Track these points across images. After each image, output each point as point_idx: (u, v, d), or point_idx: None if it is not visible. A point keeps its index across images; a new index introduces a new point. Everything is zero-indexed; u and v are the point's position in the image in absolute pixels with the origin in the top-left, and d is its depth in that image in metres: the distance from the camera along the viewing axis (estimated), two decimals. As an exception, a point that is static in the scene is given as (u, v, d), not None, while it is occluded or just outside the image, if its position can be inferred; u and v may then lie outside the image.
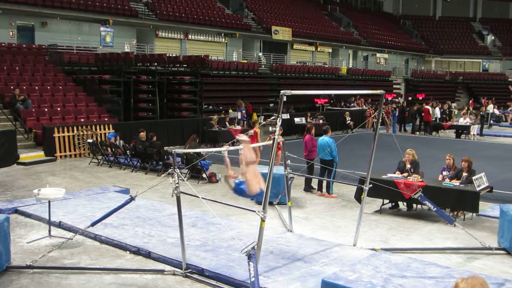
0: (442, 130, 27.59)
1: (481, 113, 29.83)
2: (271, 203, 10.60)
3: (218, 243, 8.23)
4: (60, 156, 17.55)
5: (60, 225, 9.25)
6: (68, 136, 17.84)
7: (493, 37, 58.90)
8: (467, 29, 60.14)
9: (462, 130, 26.13)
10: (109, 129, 18.65)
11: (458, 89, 52.25)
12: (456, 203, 10.13)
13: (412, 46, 54.38)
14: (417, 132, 28.09)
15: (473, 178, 9.95)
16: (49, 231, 8.69)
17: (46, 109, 19.71)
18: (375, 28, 51.68)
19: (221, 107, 28.51)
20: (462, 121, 26.51)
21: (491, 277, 6.73)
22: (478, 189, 9.79)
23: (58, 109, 20.01)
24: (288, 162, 9.03)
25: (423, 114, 28.07)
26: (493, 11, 60.88)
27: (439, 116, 28.86)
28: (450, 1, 60.60)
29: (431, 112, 28.52)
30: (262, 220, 6.27)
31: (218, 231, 8.79)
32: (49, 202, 8.65)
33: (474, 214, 10.36)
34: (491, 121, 34.64)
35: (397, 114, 28.63)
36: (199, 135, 18.74)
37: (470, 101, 42.91)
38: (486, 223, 10.20)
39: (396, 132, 27.56)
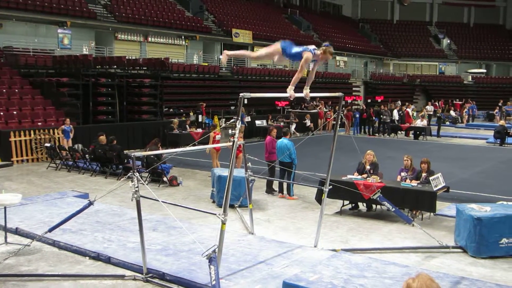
0: (400, 132, 28.13)
1: (437, 114, 30.50)
2: (232, 206, 10.61)
3: (179, 247, 8.17)
4: (17, 161, 17.18)
5: (16, 232, 9.04)
6: (25, 140, 17.48)
7: (448, 41, 60.30)
8: (424, 33, 61.39)
9: (419, 132, 26.65)
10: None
11: (415, 91, 53.28)
12: (414, 203, 10.32)
13: (371, 49, 55.18)
14: (376, 134, 28.54)
15: (430, 178, 10.17)
16: (5, 238, 8.47)
17: (1, 113, 19.20)
18: (334, 31, 52.24)
19: (182, 110, 28.36)
20: (419, 123, 27.05)
21: (448, 275, 6.88)
22: (435, 189, 10.01)
23: (14, 112, 19.54)
24: (249, 164, 9.05)
25: (382, 116, 28.55)
26: (449, 15, 62.34)
27: (397, 118, 29.34)
28: (407, 6, 61.82)
29: (410, 114, 29.16)
30: (223, 223, 6.28)
31: (179, 235, 8.74)
32: (5, 208, 8.44)
33: (432, 213, 10.58)
34: (448, 122, 35.59)
35: (358, 116, 29.06)
36: (160, 138, 18.59)
37: (429, 103, 43.82)
38: (443, 222, 10.42)
39: (357, 134, 28.00)
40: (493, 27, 62.12)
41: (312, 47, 6.71)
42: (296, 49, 6.73)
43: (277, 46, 6.84)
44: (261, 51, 7.15)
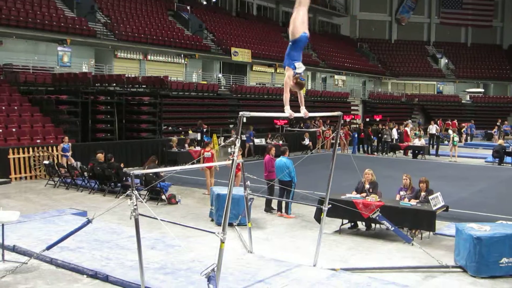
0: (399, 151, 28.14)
1: (437, 134, 30.53)
2: (231, 224, 10.54)
3: (178, 265, 8.13)
4: (15, 178, 17.14)
5: (14, 249, 8.98)
6: (24, 158, 17.45)
7: (446, 60, 60.69)
8: (422, 52, 61.81)
9: (418, 151, 26.67)
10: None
11: (414, 110, 53.48)
12: (413, 222, 10.30)
13: (369, 69, 55.45)
14: (375, 153, 28.55)
15: (429, 197, 10.16)
16: (2, 255, 8.42)
17: (0, 130, 19.22)
18: (333, 50, 52.52)
19: (180, 128, 28.38)
20: (417, 142, 27.08)
21: (448, 295, 6.84)
22: (434, 208, 9.99)
23: (13, 130, 19.55)
24: (248, 183, 9.04)
25: (380, 135, 28.59)
26: (446, 35, 62.82)
27: (396, 137, 29.37)
28: (405, 25, 62.30)
29: (409, 133, 29.22)
30: (222, 242, 6.25)
31: (177, 253, 8.70)
32: (2, 225, 8.40)
33: (431, 233, 10.55)
34: (447, 141, 35.67)
35: (356, 135, 29.06)
36: (158, 156, 18.59)
37: (432, 122, 43.87)
38: (442, 241, 10.39)
39: (356, 153, 27.99)
40: (490, 47, 62.63)
41: (301, 68, 6.75)
42: (296, 54, 7.17)
43: (300, 32, 7.02)
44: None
